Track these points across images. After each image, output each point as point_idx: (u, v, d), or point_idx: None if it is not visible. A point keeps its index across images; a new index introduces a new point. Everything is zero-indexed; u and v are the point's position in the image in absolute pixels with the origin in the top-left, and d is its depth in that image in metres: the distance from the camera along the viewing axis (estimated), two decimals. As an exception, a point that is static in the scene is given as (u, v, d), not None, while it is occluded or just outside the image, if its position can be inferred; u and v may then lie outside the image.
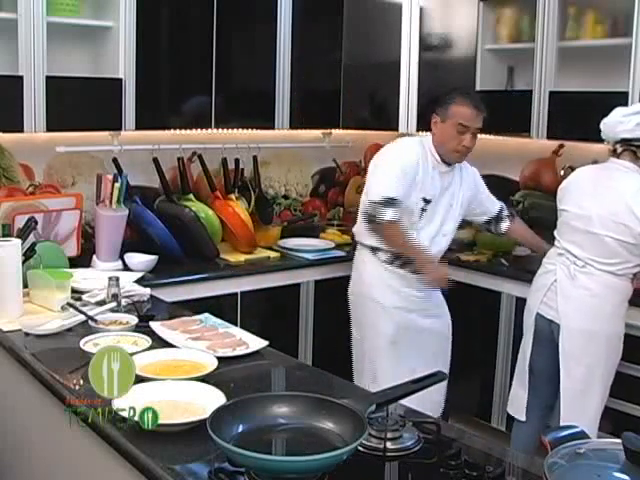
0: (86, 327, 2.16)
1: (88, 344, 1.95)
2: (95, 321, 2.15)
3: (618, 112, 2.82)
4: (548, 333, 2.92)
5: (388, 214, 2.87)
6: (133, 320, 2.18)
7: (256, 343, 2.11)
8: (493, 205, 3.23)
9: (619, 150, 2.83)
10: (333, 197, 4.39)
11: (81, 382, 1.77)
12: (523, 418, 3.05)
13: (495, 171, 4.08)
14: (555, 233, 3.00)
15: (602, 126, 2.85)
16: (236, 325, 3.36)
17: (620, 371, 3.04)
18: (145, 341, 1.99)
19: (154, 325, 2.19)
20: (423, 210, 2.97)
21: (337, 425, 1.40)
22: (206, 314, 2.36)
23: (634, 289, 2.92)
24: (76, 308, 2.23)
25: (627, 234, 2.75)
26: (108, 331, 2.09)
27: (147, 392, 1.61)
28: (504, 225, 3.25)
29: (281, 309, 3.59)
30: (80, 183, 3.51)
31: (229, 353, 2.02)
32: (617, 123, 2.80)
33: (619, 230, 2.76)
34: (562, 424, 2.79)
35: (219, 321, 2.32)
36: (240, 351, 2.05)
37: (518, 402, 3.07)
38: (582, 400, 2.86)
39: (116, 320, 2.19)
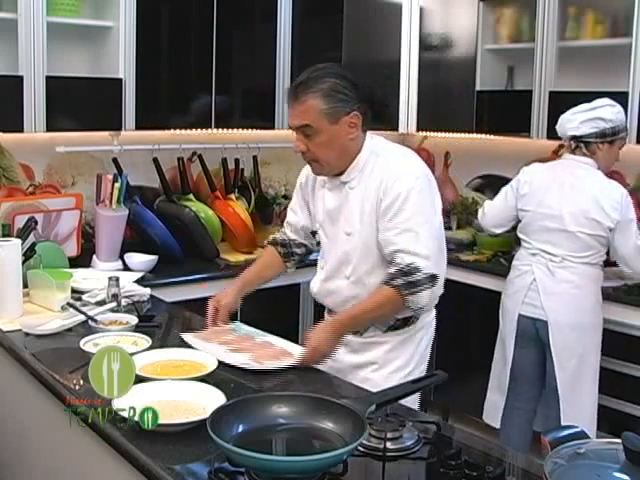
0: (86, 327, 2.16)
1: (88, 344, 1.95)
2: (95, 321, 2.15)
3: (570, 110, 2.93)
4: (532, 332, 2.96)
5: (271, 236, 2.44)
6: (133, 320, 2.18)
7: (299, 351, 1.97)
8: (388, 245, 2.01)
9: (573, 146, 2.94)
10: (333, 197, 4.39)
11: (81, 382, 1.77)
12: (498, 425, 3.09)
13: (495, 171, 4.09)
14: (520, 235, 3.05)
15: (557, 125, 2.98)
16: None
17: (620, 371, 3.05)
18: (145, 341, 1.99)
19: (187, 337, 2.04)
20: (318, 244, 2.26)
21: (337, 425, 1.40)
22: (237, 322, 2.24)
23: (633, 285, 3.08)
24: (76, 308, 2.23)
25: (599, 228, 2.85)
26: (108, 331, 2.09)
27: (147, 392, 1.61)
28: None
29: (281, 309, 3.59)
30: (80, 183, 3.51)
31: (277, 365, 1.90)
32: (566, 121, 2.93)
33: (592, 226, 2.85)
34: (562, 417, 2.84)
35: (252, 329, 2.19)
36: (286, 362, 1.91)
37: (495, 409, 3.10)
38: (579, 391, 2.91)
39: (116, 320, 2.19)
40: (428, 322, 2.19)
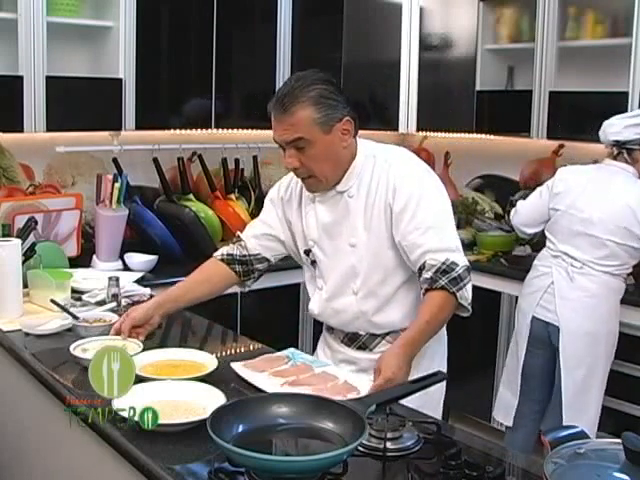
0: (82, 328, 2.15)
1: (77, 349, 1.91)
2: (77, 318, 2.14)
3: (615, 116, 2.86)
4: (544, 336, 2.94)
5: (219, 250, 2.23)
6: (115, 318, 2.16)
7: (364, 384, 1.76)
8: (415, 249, 1.87)
9: (615, 152, 2.87)
10: (333, 197, 4.39)
11: (82, 382, 1.77)
12: (510, 424, 3.07)
13: (495, 171, 4.09)
14: (547, 233, 3.00)
15: (600, 130, 2.90)
16: (236, 326, 3.36)
17: (620, 371, 3.05)
18: (136, 345, 1.94)
19: (236, 366, 1.85)
20: (313, 263, 2.04)
21: (337, 425, 1.40)
22: (292, 349, 2.00)
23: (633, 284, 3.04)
24: (59, 305, 2.22)
25: (629, 238, 2.78)
26: (92, 329, 2.07)
27: (147, 392, 1.61)
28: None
29: (281, 309, 3.59)
30: (80, 183, 3.51)
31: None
32: (609, 125, 2.85)
33: (621, 234, 2.78)
34: (565, 424, 2.80)
35: (309, 357, 1.99)
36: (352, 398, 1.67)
37: (506, 408, 3.08)
38: (583, 399, 2.88)
39: (100, 318, 2.17)
40: (441, 332, 2.03)
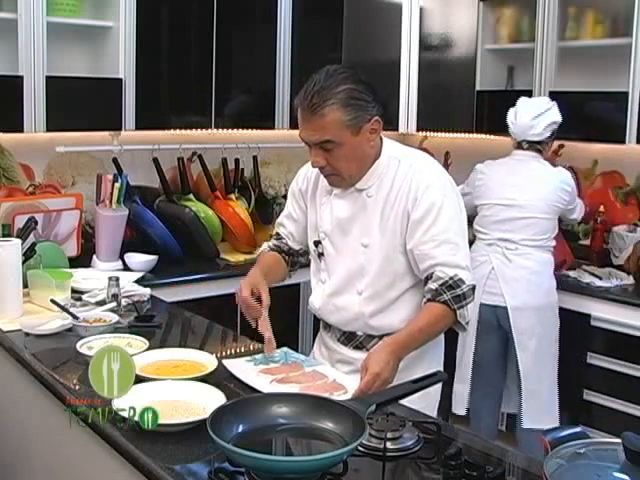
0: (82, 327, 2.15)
1: (83, 347, 1.94)
2: (77, 318, 2.14)
3: (527, 113, 3.05)
4: (493, 320, 3.07)
5: (263, 245, 2.26)
6: (115, 318, 2.17)
7: (352, 384, 1.75)
8: (426, 260, 1.87)
9: (525, 146, 3.09)
10: (333, 197, 4.39)
11: (82, 382, 1.77)
12: (463, 412, 3.18)
13: (495, 171, 4.09)
14: (477, 227, 3.16)
15: (511, 126, 3.11)
16: (236, 326, 3.36)
17: (620, 371, 3.05)
18: (142, 343, 1.97)
19: (228, 364, 1.88)
20: (320, 255, 2.04)
21: (337, 425, 1.40)
22: (285, 348, 2.04)
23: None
24: (58, 305, 2.22)
25: (559, 212, 3.07)
26: (93, 329, 2.08)
27: (147, 392, 1.61)
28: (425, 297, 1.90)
29: (281, 309, 3.58)
30: (80, 183, 3.51)
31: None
32: (528, 127, 3.05)
33: (552, 210, 3.05)
34: (524, 395, 2.99)
35: (301, 357, 2.01)
36: (339, 397, 1.69)
37: (460, 397, 3.18)
38: (539, 369, 3.03)
39: (100, 318, 2.18)
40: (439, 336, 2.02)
